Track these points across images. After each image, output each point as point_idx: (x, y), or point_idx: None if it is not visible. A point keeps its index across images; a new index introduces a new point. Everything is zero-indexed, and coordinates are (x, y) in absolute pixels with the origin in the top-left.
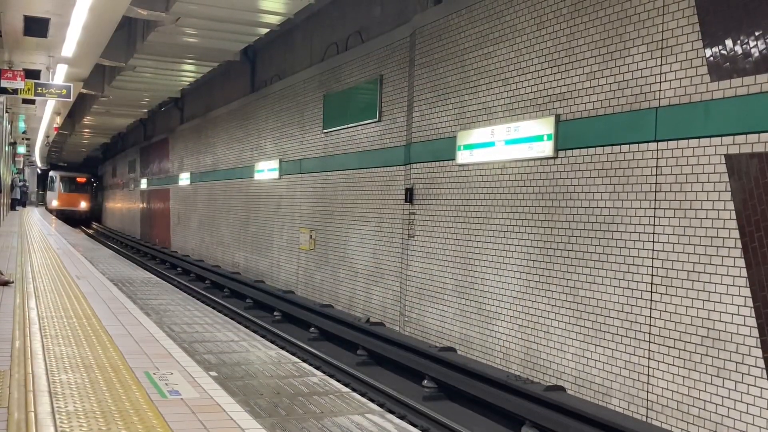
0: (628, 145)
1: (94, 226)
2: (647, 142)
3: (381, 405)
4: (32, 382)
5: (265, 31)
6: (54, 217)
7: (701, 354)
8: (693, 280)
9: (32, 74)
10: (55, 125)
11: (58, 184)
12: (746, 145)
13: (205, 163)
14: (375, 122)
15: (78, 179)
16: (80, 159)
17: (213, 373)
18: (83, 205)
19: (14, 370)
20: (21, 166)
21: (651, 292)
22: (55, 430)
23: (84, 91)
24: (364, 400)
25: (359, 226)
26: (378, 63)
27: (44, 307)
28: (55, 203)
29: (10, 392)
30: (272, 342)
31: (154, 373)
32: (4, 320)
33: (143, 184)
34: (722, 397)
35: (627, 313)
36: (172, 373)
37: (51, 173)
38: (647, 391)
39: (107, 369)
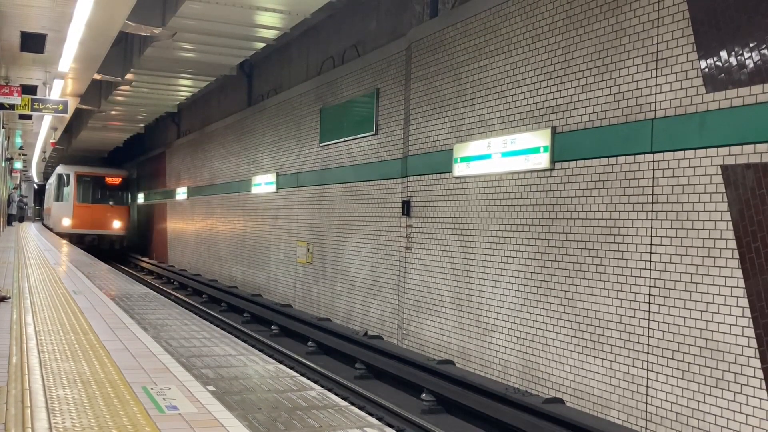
0: (624, 157)
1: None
2: (643, 153)
3: (380, 419)
4: (29, 398)
5: (261, 45)
6: (64, 242)
7: (700, 365)
8: (691, 291)
9: (29, 90)
10: (51, 140)
11: (72, 189)
12: (742, 155)
13: (202, 177)
14: (372, 135)
15: (108, 179)
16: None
17: (211, 388)
18: (117, 224)
19: (11, 386)
20: (18, 182)
21: (649, 303)
22: None
23: (81, 106)
24: (362, 413)
25: (356, 239)
26: (374, 76)
27: (41, 323)
28: (67, 222)
29: (7, 408)
30: (270, 356)
31: (151, 388)
32: (1, 336)
33: (140, 198)
34: (721, 408)
35: (625, 324)
36: (169, 388)
37: (60, 170)
38: (646, 403)
39: (105, 384)
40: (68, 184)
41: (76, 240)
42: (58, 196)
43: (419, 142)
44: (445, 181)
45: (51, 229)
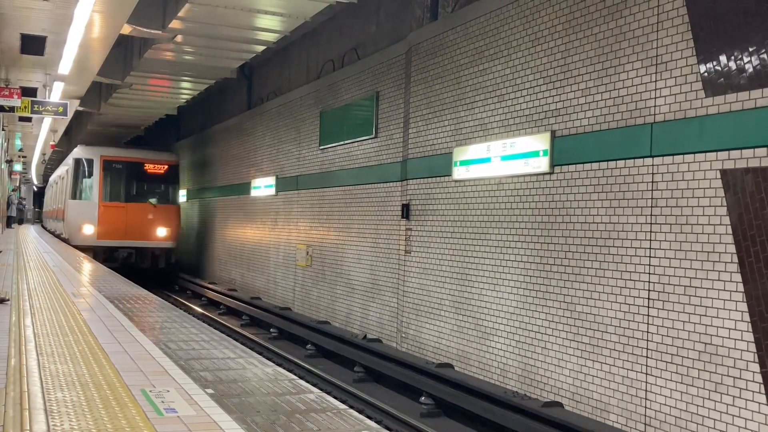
0: (623, 161)
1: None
2: (643, 157)
3: (379, 422)
4: (28, 401)
5: (261, 48)
6: (83, 257)
7: (698, 369)
8: (690, 295)
9: (29, 92)
10: (51, 143)
11: (98, 182)
12: (741, 160)
13: (201, 180)
14: (371, 138)
15: (149, 166)
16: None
17: (209, 391)
18: (163, 232)
19: (10, 389)
20: (17, 184)
21: (648, 307)
22: None
23: (80, 108)
24: (361, 417)
25: (356, 242)
26: (374, 79)
27: (40, 325)
28: (89, 229)
29: (5, 410)
30: (269, 359)
31: (150, 391)
32: (0, 338)
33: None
34: (720, 412)
35: (624, 328)
36: (168, 391)
37: (78, 153)
38: (645, 407)
39: (103, 387)
40: (91, 175)
41: (104, 255)
42: (76, 193)
43: (419, 145)
44: (444, 185)
45: (66, 241)
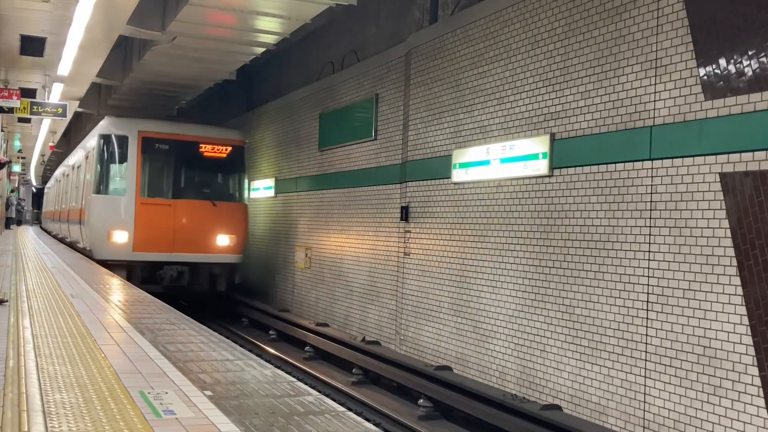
0: (623, 164)
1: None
2: (642, 160)
3: (377, 424)
4: (26, 402)
5: (261, 50)
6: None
7: (697, 372)
8: (689, 299)
9: (28, 93)
10: (50, 144)
11: (135, 169)
12: (740, 163)
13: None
14: (371, 141)
15: (206, 147)
16: None
17: (208, 393)
18: (226, 241)
19: (8, 390)
20: (16, 185)
21: (647, 310)
22: None
23: (80, 109)
24: (360, 419)
25: (355, 244)
26: (373, 82)
27: (38, 326)
28: (122, 237)
29: (3, 412)
30: (268, 361)
31: (148, 393)
32: None
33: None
34: (719, 416)
35: (623, 331)
36: (166, 393)
37: (106, 128)
38: (644, 410)
39: (102, 388)
40: (125, 159)
41: (143, 275)
42: (102, 184)
43: (418, 147)
44: (443, 187)
45: (85, 253)
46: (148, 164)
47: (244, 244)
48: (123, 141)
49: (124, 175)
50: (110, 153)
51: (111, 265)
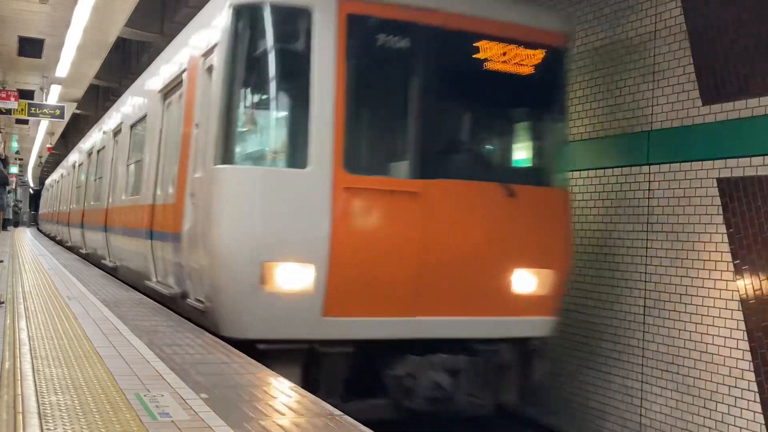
0: (620, 168)
1: None
2: (640, 165)
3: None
4: (21, 404)
5: None
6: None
7: (694, 377)
8: (686, 303)
9: (26, 95)
10: (48, 145)
11: (333, 92)
12: (738, 168)
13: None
14: None
15: (487, 47)
16: None
17: (204, 395)
18: (537, 282)
19: (3, 392)
20: (13, 186)
21: (644, 315)
22: None
23: (78, 111)
24: (356, 422)
25: None
26: None
27: (35, 328)
28: (301, 280)
29: None
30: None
31: (144, 395)
32: None
33: None
34: (715, 420)
35: (620, 336)
36: (163, 395)
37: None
38: (640, 415)
39: (98, 390)
40: (303, 73)
41: (349, 372)
42: (231, 142)
43: None
44: None
45: (172, 305)
46: (365, 88)
47: (564, 288)
48: (296, 22)
49: (301, 118)
50: (258, 59)
51: (267, 356)
